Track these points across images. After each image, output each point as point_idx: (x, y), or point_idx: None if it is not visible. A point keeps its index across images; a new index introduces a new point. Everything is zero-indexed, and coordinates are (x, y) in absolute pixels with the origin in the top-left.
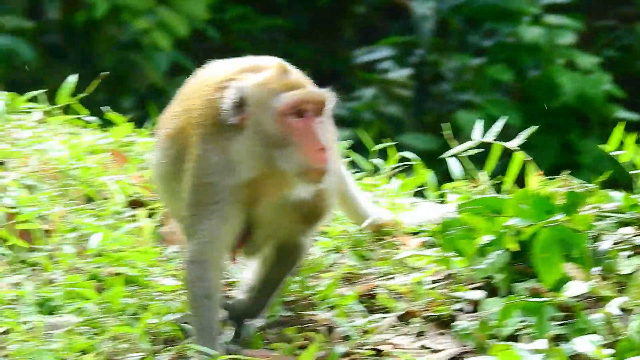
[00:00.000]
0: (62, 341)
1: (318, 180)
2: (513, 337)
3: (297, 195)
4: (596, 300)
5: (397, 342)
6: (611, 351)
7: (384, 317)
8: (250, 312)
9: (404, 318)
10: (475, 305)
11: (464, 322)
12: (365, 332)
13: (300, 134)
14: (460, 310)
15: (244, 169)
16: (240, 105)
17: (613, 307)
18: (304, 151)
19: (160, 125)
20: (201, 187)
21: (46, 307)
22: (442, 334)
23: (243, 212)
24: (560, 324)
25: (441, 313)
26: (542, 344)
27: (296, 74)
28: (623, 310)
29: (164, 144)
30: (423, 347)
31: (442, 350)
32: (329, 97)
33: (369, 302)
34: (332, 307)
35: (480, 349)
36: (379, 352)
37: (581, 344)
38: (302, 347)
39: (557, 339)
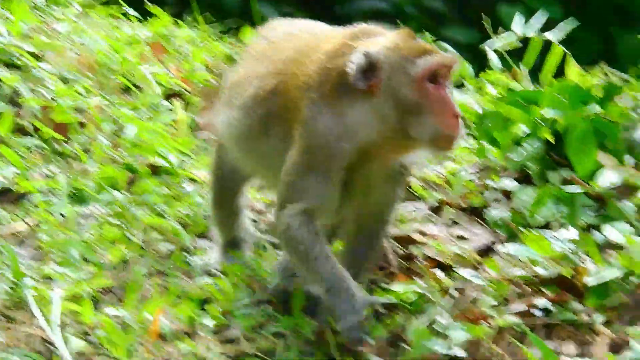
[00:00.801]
0: (94, 232)
1: (449, 147)
2: (546, 226)
3: (407, 160)
4: (629, 189)
5: (430, 231)
6: None
7: (419, 207)
8: None
9: (439, 208)
10: (510, 195)
11: (497, 212)
12: (400, 221)
13: (436, 100)
14: (495, 200)
15: (364, 134)
16: (369, 70)
17: None
18: (439, 118)
19: (235, 83)
20: (313, 150)
21: (79, 198)
22: (475, 223)
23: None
24: (593, 213)
25: (475, 203)
26: (574, 232)
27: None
28: None
29: (250, 104)
30: (456, 236)
31: (475, 239)
32: (458, 60)
33: (404, 192)
34: None
35: (513, 238)
36: (413, 241)
37: (612, 232)
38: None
39: (589, 228)
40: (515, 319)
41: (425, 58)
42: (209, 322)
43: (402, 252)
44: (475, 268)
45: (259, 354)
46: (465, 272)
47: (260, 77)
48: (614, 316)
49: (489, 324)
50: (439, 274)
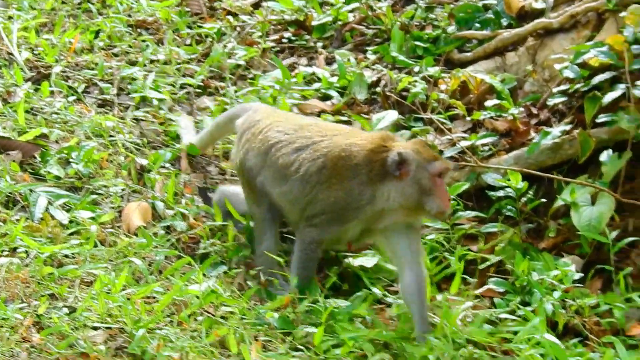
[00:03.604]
0: None
1: (444, 218)
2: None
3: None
4: None
5: None
6: None
7: None
8: None
9: None
10: None
11: None
12: None
13: (439, 189)
14: None
15: (386, 203)
16: (400, 163)
17: None
18: (441, 199)
19: (285, 164)
20: (348, 208)
21: None
22: None
23: (365, 225)
24: None
25: None
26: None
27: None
28: None
29: (304, 175)
30: None
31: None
32: (454, 166)
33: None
34: None
35: None
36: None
37: None
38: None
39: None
40: (272, 44)
41: (438, 162)
42: None
43: (209, 4)
44: (251, 14)
45: None
46: (245, 17)
47: (308, 159)
48: (328, 43)
49: (258, 46)
50: (231, 18)
